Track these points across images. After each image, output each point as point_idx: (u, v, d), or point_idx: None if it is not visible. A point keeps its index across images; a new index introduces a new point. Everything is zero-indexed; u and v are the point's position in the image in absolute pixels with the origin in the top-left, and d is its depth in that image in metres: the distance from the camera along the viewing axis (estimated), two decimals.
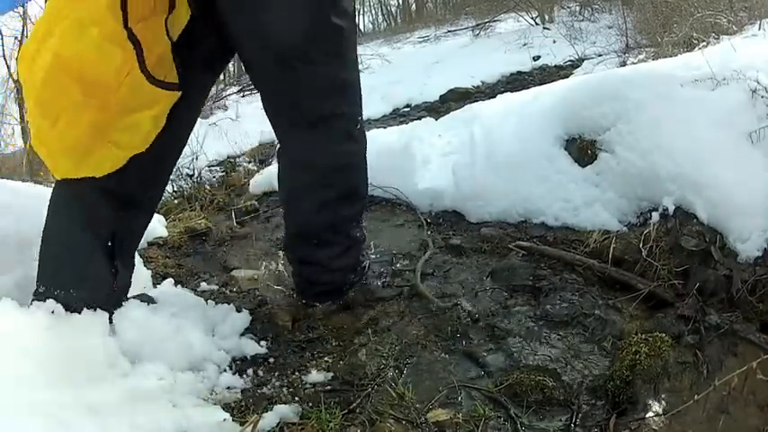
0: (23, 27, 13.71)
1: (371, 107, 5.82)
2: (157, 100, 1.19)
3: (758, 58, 2.09)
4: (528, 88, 3.24)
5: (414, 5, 19.54)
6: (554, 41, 7.60)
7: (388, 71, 7.55)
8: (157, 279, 2.01)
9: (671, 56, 3.39)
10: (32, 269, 1.52)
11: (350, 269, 1.79)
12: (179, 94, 1.23)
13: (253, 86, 8.30)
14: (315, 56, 1.35)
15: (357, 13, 18.50)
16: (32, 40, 1.15)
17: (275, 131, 1.55)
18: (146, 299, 1.62)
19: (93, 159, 1.23)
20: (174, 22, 1.18)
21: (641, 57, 5.31)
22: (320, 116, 1.46)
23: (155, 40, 1.15)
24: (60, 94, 1.12)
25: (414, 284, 1.86)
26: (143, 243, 2.31)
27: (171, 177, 3.45)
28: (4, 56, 13.93)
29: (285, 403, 1.37)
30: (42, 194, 1.88)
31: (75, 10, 1.08)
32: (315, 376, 1.48)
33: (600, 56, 6.28)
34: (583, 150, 2.23)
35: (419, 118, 4.45)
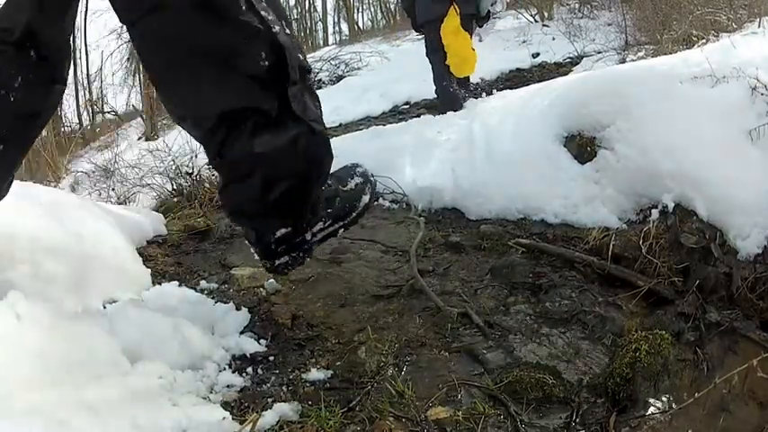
0: None
1: (371, 104, 5.81)
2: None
3: (758, 55, 2.09)
4: (527, 85, 3.25)
5: None
6: (553, 39, 7.56)
7: (388, 68, 7.51)
8: (157, 277, 2.01)
9: (670, 53, 3.38)
10: (32, 269, 1.52)
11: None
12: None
13: None
14: None
15: (356, 11, 18.43)
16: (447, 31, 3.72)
17: None
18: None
19: (468, 68, 3.91)
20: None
21: (641, 54, 5.30)
22: None
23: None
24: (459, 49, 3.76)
25: (413, 276, 1.85)
26: (142, 241, 2.30)
27: (170, 176, 3.47)
28: None
29: (285, 401, 1.37)
30: (42, 195, 1.88)
31: (455, 29, 3.68)
32: (314, 374, 1.48)
33: (599, 53, 6.26)
34: (582, 147, 2.23)
35: (419, 115, 4.45)
